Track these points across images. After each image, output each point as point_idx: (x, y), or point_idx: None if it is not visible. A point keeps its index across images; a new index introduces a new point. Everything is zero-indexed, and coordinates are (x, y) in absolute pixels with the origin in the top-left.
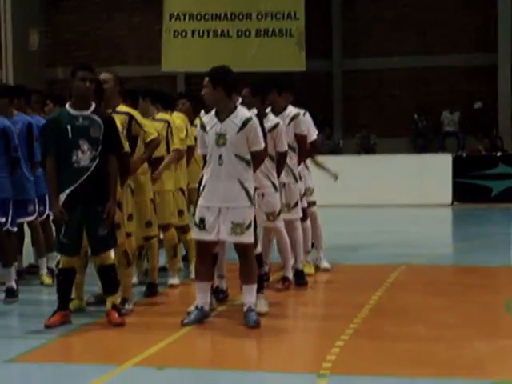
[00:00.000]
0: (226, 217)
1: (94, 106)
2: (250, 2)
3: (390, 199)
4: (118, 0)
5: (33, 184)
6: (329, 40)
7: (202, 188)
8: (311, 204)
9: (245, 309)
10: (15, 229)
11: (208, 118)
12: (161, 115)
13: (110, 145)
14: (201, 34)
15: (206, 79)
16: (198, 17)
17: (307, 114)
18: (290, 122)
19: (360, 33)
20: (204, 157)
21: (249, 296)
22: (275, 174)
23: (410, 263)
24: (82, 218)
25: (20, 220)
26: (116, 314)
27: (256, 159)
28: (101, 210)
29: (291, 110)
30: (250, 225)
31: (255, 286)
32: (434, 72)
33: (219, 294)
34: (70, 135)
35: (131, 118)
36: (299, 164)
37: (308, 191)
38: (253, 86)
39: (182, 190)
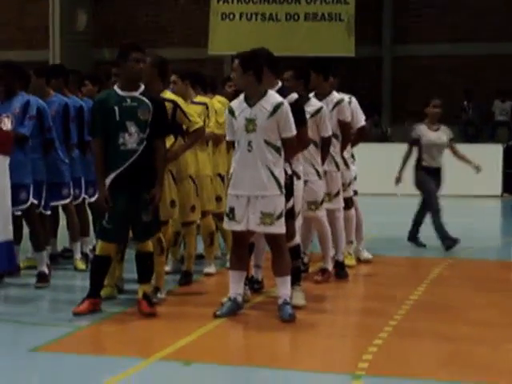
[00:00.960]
0: (255, 206)
1: (142, 87)
2: None
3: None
4: None
5: (68, 167)
6: (379, 25)
7: (230, 176)
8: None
9: (280, 301)
10: (48, 212)
11: (237, 102)
12: (199, 98)
13: (158, 128)
14: (249, 17)
15: (236, 62)
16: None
17: (354, 100)
18: (333, 107)
19: (411, 18)
20: (233, 143)
21: (283, 288)
22: (319, 161)
23: (455, 257)
24: (127, 203)
25: (54, 203)
26: (147, 304)
27: (287, 146)
28: (147, 195)
29: (336, 95)
30: (280, 214)
31: (289, 278)
32: (485, 60)
33: (254, 285)
34: (117, 117)
35: (176, 105)
36: (342, 151)
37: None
38: (296, 68)
39: (220, 175)
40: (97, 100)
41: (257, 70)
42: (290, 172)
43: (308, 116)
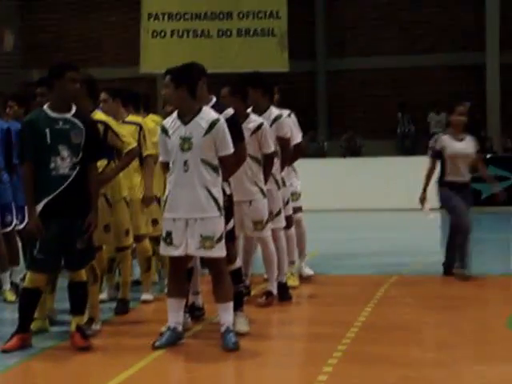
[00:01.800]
0: (193, 229)
1: (74, 108)
2: (231, 1)
3: (376, 203)
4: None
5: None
6: (312, 40)
7: (165, 198)
8: (297, 210)
9: (222, 329)
10: None
11: (170, 121)
12: (131, 117)
13: (91, 152)
14: (180, 34)
15: (168, 78)
16: (178, 16)
17: (293, 116)
18: (271, 123)
19: (344, 32)
20: (166, 165)
21: (225, 315)
22: (262, 179)
23: (400, 273)
24: (60, 230)
25: None
26: (81, 337)
27: (225, 165)
28: (80, 222)
29: (274, 110)
30: (220, 237)
31: (231, 304)
32: (419, 72)
33: (195, 312)
34: (48, 140)
35: (107, 127)
36: (282, 169)
37: (294, 196)
38: (232, 85)
39: (156, 198)
40: (26, 121)
41: (190, 84)
42: (228, 192)
43: (249, 133)
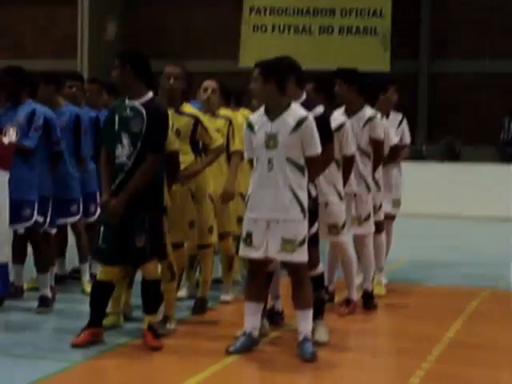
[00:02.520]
0: (275, 231)
1: (148, 96)
2: None
3: (474, 211)
4: None
5: (78, 182)
6: (416, 40)
7: (247, 197)
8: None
9: (300, 338)
10: (54, 230)
11: (256, 116)
12: (223, 111)
13: (149, 142)
14: (281, 29)
15: (256, 71)
16: (279, 11)
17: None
18: (364, 124)
19: (449, 33)
20: (251, 162)
21: (304, 323)
22: (341, 181)
23: (494, 287)
24: (119, 222)
25: (61, 221)
26: (152, 336)
27: (312, 166)
28: (139, 218)
29: (368, 111)
30: (303, 241)
31: (311, 312)
32: None
33: (274, 317)
34: (116, 126)
35: (197, 121)
36: (374, 172)
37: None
38: (318, 81)
39: (242, 195)
40: (110, 107)
41: (279, 79)
42: (314, 194)
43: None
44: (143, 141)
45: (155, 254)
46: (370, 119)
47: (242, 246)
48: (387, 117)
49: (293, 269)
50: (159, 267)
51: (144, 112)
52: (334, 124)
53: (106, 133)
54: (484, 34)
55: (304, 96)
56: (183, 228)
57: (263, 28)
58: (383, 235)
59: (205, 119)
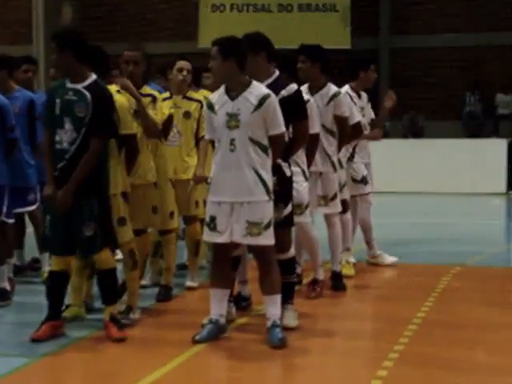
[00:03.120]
0: (239, 214)
1: (91, 79)
2: None
3: (439, 187)
4: None
5: (34, 169)
6: (375, 16)
7: (210, 180)
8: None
9: (268, 324)
10: (11, 220)
11: (216, 96)
12: (192, 93)
13: (95, 126)
14: (240, 8)
15: (215, 49)
16: None
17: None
18: (328, 101)
19: (409, 9)
20: (212, 143)
21: (272, 308)
22: (305, 160)
23: (464, 264)
24: (67, 211)
25: (18, 210)
26: (115, 328)
27: (275, 145)
28: (87, 206)
29: (332, 87)
30: (269, 224)
31: (279, 296)
32: (486, 51)
33: (241, 302)
34: (57, 110)
35: (155, 100)
36: (339, 150)
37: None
38: (281, 58)
39: (207, 178)
40: (49, 89)
41: (239, 56)
42: (288, 173)
43: (325, 101)
44: (88, 126)
45: (106, 244)
46: (335, 96)
47: (205, 230)
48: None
49: (259, 253)
50: (120, 255)
51: (89, 95)
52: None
53: (48, 117)
54: (444, 9)
55: (277, 73)
56: (146, 213)
57: (221, 8)
58: (348, 214)
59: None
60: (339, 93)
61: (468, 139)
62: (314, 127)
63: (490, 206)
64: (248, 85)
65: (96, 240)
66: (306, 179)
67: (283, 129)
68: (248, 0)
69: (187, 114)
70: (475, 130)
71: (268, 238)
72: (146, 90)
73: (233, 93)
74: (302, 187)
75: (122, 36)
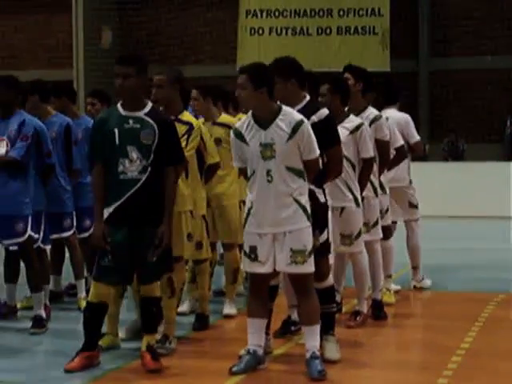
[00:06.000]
0: (283, 243)
1: (149, 106)
2: None
3: (479, 210)
4: None
5: (70, 195)
6: (415, 38)
7: (247, 211)
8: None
9: (307, 355)
10: (48, 246)
11: (245, 124)
12: (224, 118)
13: (165, 154)
14: (278, 31)
15: (244, 77)
16: (276, 13)
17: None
18: (369, 124)
19: (449, 30)
20: (242, 171)
21: (311, 340)
22: (358, 186)
23: (508, 291)
24: (128, 239)
25: (54, 236)
26: (151, 358)
27: (310, 169)
28: (150, 233)
29: (372, 111)
30: (312, 250)
31: (318, 327)
32: None
33: (291, 326)
34: (117, 140)
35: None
36: (380, 174)
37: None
38: (333, 81)
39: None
40: (97, 120)
41: (270, 84)
42: (322, 200)
43: (346, 133)
44: (156, 153)
45: (168, 269)
46: (376, 119)
47: (246, 261)
48: None
49: (299, 281)
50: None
51: (153, 123)
52: (351, 124)
53: (101, 148)
54: (484, 31)
55: (307, 98)
56: (180, 241)
57: (260, 31)
58: (391, 241)
59: (205, 131)
60: (380, 116)
61: (509, 162)
62: (369, 151)
63: None
64: (278, 111)
65: (159, 267)
66: (358, 206)
67: (317, 153)
68: (287, 23)
69: (217, 141)
70: None
71: (311, 266)
72: (184, 116)
73: (263, 121)
74: (352, 216)
75: (161, 60)
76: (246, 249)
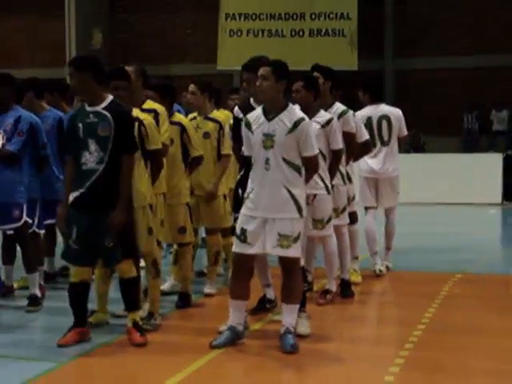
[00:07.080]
0: (272, 227)
1: (109, 100)
2: (304, 3)
3: (439, 198)
4: (176, 0)
5: (63, 183)
6: (381, 40)
7: (246, 195)
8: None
9: (282, 330)
10: (42, 231)
11: (254, 115)
12: (215, 114)
13: (121, 144)
14: (256, 33)
15: (268, 70)
16: (253, 17)
17: (357, 114)
18: (337, 118)
19: (412, 32)
20: (249, 159)
21: (289, 317)
22: (328, 175)
23: (464, 271)
24: (90, 224)
25: (48, 221)
26: (137, 333)
27: (308, 166)
28: (107, 217)
29: (339, 105)
30: (298, 237)
31: (297, 307)
32: (484, 71)
33: (266, 304)
34: (81, 134)
35: (183, 129)
36: (347, 163)
37: None
38: (306, 78)
39: (224, 196)
40: (69, 117)
41: (289, 80)
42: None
43: (318, 127)
44: (113, 144)
45: (126, 256)
46: (343, 113)
47: (236, 242)
48: None
49: (286, 263)
50: (143, 262)
51: (109, 115)
52: (322, 119)
53: (71, 142)
54: (446, 33)
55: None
56: (173, 233)
57: (239, 33)
58: (357, 225)
59: (191, 129)
60: (347, 110)
61: (466, 154)
62: (339, 143)
63: (487, 216)
64: (285, 107)
65: (115, 252)
66: (329, 193)
67: (316, 151)
68: (263, 26)
69: (206, 135)
70: (472, 145)
71: (296, 250)
72: (148, 104)
73: (270, 114)
74: (323, 203)
75: (147, 59)
76: (238, 231)
